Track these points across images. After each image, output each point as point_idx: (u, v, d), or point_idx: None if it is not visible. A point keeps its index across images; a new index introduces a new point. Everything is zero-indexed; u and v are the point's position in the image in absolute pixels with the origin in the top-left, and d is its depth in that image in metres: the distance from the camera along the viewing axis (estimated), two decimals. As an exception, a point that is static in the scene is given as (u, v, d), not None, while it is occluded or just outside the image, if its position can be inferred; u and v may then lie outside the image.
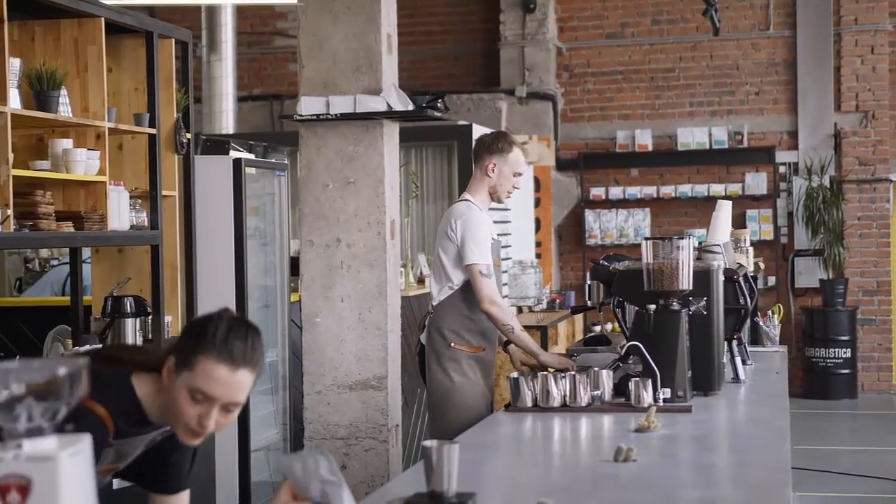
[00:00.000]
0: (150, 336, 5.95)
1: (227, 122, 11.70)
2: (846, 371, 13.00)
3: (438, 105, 6.05)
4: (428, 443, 2.87)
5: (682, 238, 4.70)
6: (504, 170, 5.52)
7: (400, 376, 6.06)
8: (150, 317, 5.94)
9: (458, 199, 5.65)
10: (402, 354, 6.11)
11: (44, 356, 5.91)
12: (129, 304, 5.79)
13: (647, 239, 4.74)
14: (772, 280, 13.32)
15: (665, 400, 4.53)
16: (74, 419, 2.54)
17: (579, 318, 11.52)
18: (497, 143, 5.56)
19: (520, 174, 5.59)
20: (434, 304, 5.52)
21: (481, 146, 5.59)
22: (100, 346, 5.39)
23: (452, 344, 5.43)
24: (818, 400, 12.84)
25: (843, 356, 12.97)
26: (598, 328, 10.98)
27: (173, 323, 6.22)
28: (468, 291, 5.39)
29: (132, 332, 5.79)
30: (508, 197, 5.68)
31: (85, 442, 1.88)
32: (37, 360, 1.92)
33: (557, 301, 11.18)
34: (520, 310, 10.60)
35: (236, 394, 2.77)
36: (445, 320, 5.46)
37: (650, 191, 13.60)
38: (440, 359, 5.45)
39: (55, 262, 8.87)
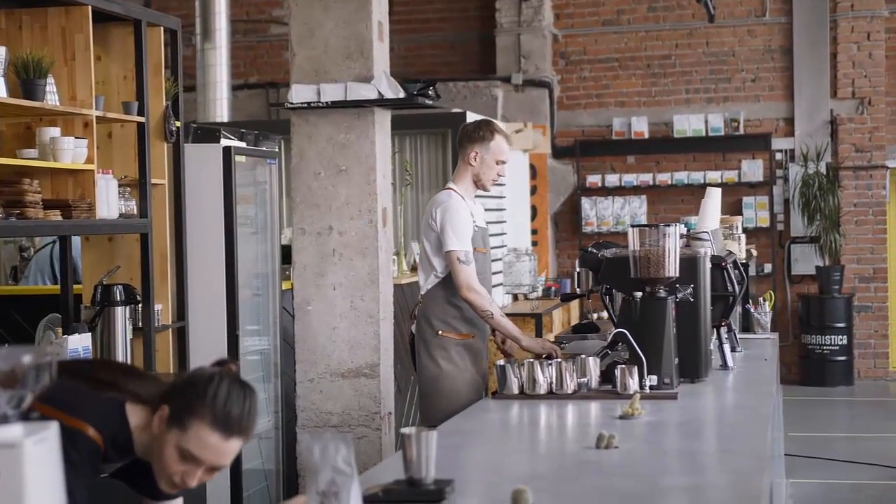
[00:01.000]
0: (139, 324, 5.95)
1: (221, 110, 11.68)
2: (842, 358, 13.01)
3: (429, 93, 6.04)
4: (406, 430, 2.88)
5: (669, 226, 4.70)
6: (486, 158, 5.53)
7: (392, 364, 6.07)
8: (139, 305, 5.94)
9: (442, 189, 5.67)
10: (394, 342, 6.11)
11: (36, 344, 5.91)
12: (118, 293, 5.79)
13: (633, 226, 4.75)
14: (768, 267, 13.32)
15: (651, 387, 4.53)
16: (70, 440, 2.60)
17: (575, 305, 11.53)
18: (478, 131, 5.57)
19: (503, 162, 5.59)
20: (421, 293, 5.56)
21: (464, 135, 5.61)
22: (90, 358, 5.35)
23: (440, 332, 5.45)
24: (814, 387, 12.85)
25: (840, 343, 12.97)
26: (594, 316, 10.99)
27: (163, 311, 6.22)
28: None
29: (122, 320, 5.79)
30: (494, 185, 5.70)
31: (51, 429, 1.88)
32: (1, 348, 1.92)
33: (553, 289, 11.18)
34: (515, 297, 10.61)
35: (224, 459, 2.79)
36: (432, 308, 5.49)
37: (646, 178, 13.59)
38: (428, 347, 5.48)
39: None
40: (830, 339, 12.97)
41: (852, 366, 13.14)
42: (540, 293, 10.84)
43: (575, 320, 11.25)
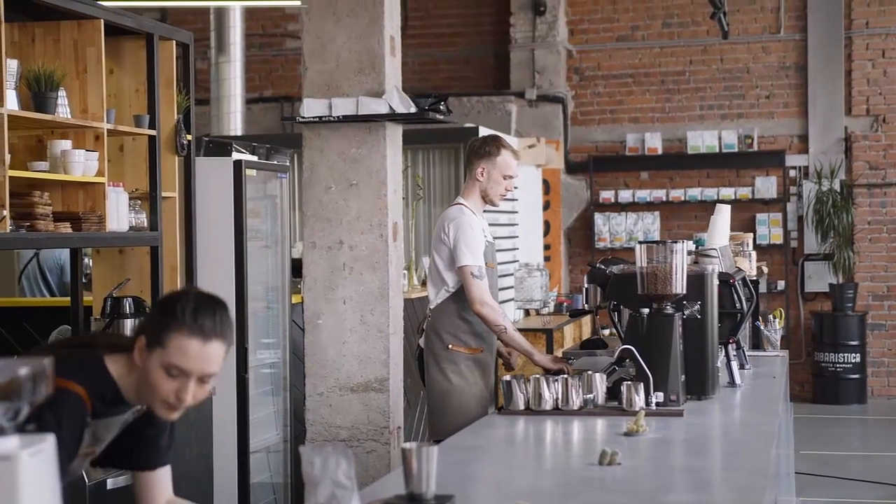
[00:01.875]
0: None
1: (234, 123, 11.72)
2: (855, 376, 12.96)
3: (441, 107, 6.05)
4: (406, 445, 2.88)
5: (676, 242, 4.70)
6: (493, 173, 5.56)
7: (402, 378, 6.07)
8: (149, 318, 5.95)
9: (452, 204, 5.70)
10: (404, 357, 6.12)
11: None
12: (128, 305, 5.81)
13: (640, 243, 4.74)
14: (781, 284, 13.29)
15: (658, 404, 4.52)
16: (53, 400, 2.59)
17: (587, 321, 11.51)
18: (485, 147, 5.60)
19: (510, 177, 5.61)
20: (431, 307, 5.59)
21: (471, 150, 5.65)
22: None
23: (450, 346, 5.48)
24: (827, 405, 12.80)
25: (853, 361, 12.93)
26: (606, 332, 10.98)
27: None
28: (464, 294, 5.43)
29: (131, 333, 5.81)
30: (502, 200, 5.72)
31: (47, 442, 1.89)
32: (-1, 360, 1.93)
33: (565, 304, 11.17)
34: (526, 313, 10.60)
35: (209, 366, 2.87)
36: (442, 323, 5.52)
37: (660, 194, 13.58)
38: (438, 361, 5.50)
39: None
40: (844, 357, 12.93)
41: (865, 384, 13.08)
42: (552, 308, 10.83)
43: (587, 336, 11.22)
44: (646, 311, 4.67)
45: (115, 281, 6.05)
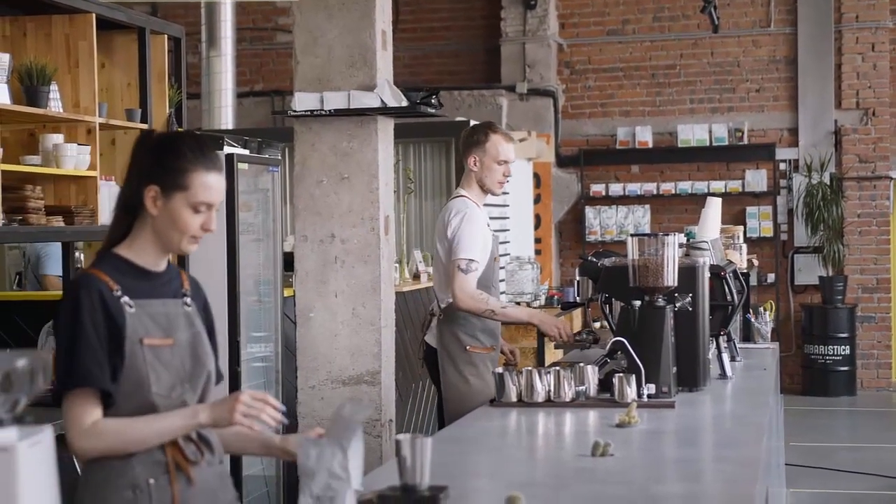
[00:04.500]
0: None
1: (226, 117, 11.71)
2: (845, 368, 13.01)
3: (432, 101, 6.05)
4: (401, 436, 2.90)
5: (668, 235, 4.71)
6: (485, 161, 5.51)
7: (393, 372, 6.07)
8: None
9: (454, 196, 5.65)
10: (396, 350, 6.12)
11: (38, 349, 5.93)
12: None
13: (632, 235, 4.75)
14: (771, 277, 13.33)
15: (649, 396, 4.54)
16: (71, 291, 2.92)
17: (578, 314, 11.53)
18: (474, 135, 5.56)
19: (504, 162, 5.53)
20: (442, 305, 5.49)
21: (461, 141, 5.63)
22: None
23: (468, 347, 5.42)
24: (817, 397, 12.85)
25: (843, 353, 12.97)
26: (597, 325, 10.99)
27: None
28: None
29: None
30: (501, 187, 5.62)
31: (46, 433, 1.90)
32: (-4, 352, 1.94)
33: (556, 297, 11.18)
34: (517, 305, 10.61)
35: (223, 193, 3.08)
36: (459, 322, 5.44)
37: (650, 187, 13.61)
38: (456, 363, 5.43)
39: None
40: (833, 350, 12.97)
41: (855, 376, 13.14)
42: (543, 301, 10.84)
43: (577, 329, 11.25)
44: (637, 303, 4.68)
45: (108, 275, 6.05)
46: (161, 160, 3.03)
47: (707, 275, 5.01)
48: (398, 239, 8.66)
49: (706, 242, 5.56)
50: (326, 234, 5.87)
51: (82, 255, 6.52)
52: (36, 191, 5.24)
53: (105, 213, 5.61)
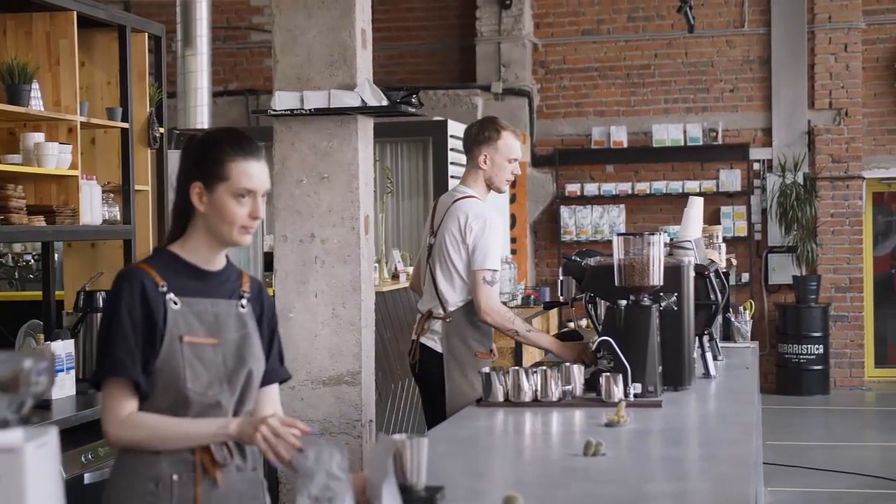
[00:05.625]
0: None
1: (202, 116, 11.64)
2: (819, 367, 13.08)
3: (412, 101, 6.04)
4: (397, 437, 2.89)
5: (654, 234, 4.72)
6: (496, 158, 5.33)
7: (374, 372, 6.06)
8: (122, 311, 5.91)
9: (462, 196, 5.40)
10: (375, 350, 6.11)
11: (16, 350, 5.88)
12: (101, 299, 5.77)
13: (618, 235, 4.76)
14: (745, 276, 13.39)
15: (636, 395, 4.54)
16: (116, 283, 3.01)
17: (554, 314, 11.55)
18: (483, 132, 5.35)
19: (514, 159, 5.36)
20: (451, 308, 5.30)
21: (468, 138, 5.41)
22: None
23: (478, 353, 5.28)
24: (791, 396, 12.92)
25: (816, 352, 13.05)
26: (571, 324, 11.02)
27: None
28: None
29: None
30: (508, 185, 5.48)
31: (51, 434, 1.88)
32: (2, 352, 1.92)
33: (532, 297, 11.20)
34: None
35: (267, 181, 3.12)
36: (468, 328, 5.28)
37: (625, 187, 13.65)
38: (464, 369, 5.27)
39: (28, 258, 8.83)
40: (807, 349, 13.04)
41: (828, 375, 13.21)
42: (520, 301, 10.85)
43: (554, 328, 11.28)
44: (623, 302, 4.69)
45: (87, 275, 6.02)
46: (201, 157, 3.10)
47: (692, 274, 5.02)
48: (377, 239, 8.64)
49: (690, 242, 5.57)
50: (306, 233, 5.85)
51: (58, 256, 6.48)
52: (17, 190, 5.20)
53: (86, 212, 5.58)
